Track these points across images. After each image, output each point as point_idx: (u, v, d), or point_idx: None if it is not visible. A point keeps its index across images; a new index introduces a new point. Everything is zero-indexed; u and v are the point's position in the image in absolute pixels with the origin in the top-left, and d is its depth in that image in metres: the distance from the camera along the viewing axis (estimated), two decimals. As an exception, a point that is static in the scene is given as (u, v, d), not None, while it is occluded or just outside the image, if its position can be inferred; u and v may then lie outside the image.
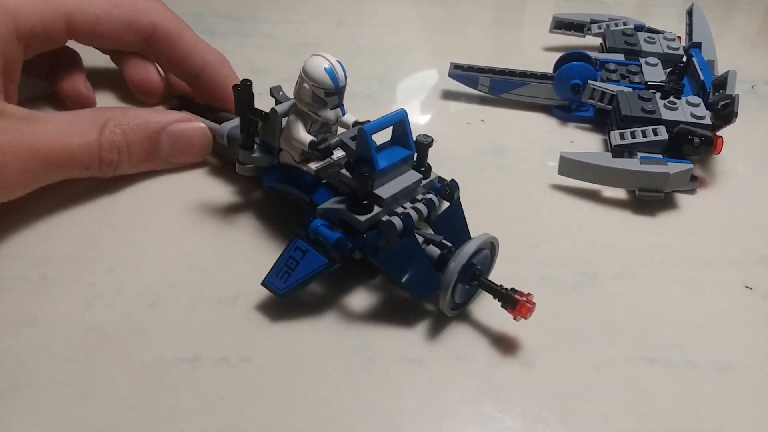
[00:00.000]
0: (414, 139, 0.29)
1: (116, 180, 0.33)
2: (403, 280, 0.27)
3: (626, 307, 0.30)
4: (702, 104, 0.36)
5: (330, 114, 0.29)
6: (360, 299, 0.29)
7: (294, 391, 0.26)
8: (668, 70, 0.41)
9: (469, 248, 0.27)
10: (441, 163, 0.33)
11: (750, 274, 0.31)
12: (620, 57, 0.42)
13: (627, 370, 0.27)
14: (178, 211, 0.33)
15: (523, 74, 0.41)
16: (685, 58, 0.41)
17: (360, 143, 0.27)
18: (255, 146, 0.31)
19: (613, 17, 0.47)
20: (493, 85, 0.41)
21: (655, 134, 0.35)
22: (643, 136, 0.35)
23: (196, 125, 0.34)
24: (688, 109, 0.36)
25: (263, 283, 0.28)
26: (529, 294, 0.26)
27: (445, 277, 0.26)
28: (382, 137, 0.28)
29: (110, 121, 0.31)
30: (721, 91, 0.36)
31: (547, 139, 0.40)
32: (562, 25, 0.47)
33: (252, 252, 0.31)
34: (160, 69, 0.39)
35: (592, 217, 0.34)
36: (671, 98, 0.37)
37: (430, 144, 0.29)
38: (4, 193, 0.29)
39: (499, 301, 0.27)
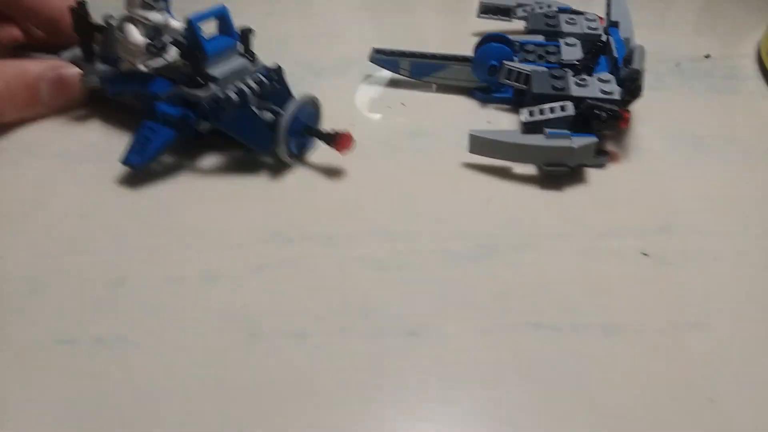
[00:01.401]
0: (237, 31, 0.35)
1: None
2: (245, 138, 0.34)
3: (521, 277, 0.30)
4: (613, 80, 0.37)
5: (158, 17, 0.34)
6: (243, 274, 0.30)
7: (171, 369, 0.26)
8: (587, 50, 0.41)
9: (293, 104, 0.34)
10: (357, 147, 0.35)
11: (650, 243, 0.32)
12: (540, 39, 0.43)
13: (512, 335, 0.27)
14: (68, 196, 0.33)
15: (443, 57, 0.41)
16: (604, 38, 0.41)
17: (188, 32, 0.33)
18: (95, 60, 0.36)
19: (540, 1, 0.47)
20: (413, 69, 0.42)
21: (563, 110, 0.35)
22: (551, 113, 0.35)
23: (70, 70, 0.37)
24: (599, 86, 0.37)
25: (122, 162, 0.34)
26: (347, 131, 0.34)
27: (278, 130, 0.34)
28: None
29: None
30: (629, 66, 0.36)
31: (467, 120, 0.40)
32: (488, 9, 0.48)
33: (134, 232, 0.32)
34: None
35: (500, 193, 0.35)
36: (582, 75, 0.37)
37: (250, 31, 0.36)
38: None
39: (325, 142, 0.35)
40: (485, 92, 0.42)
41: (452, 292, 0.29)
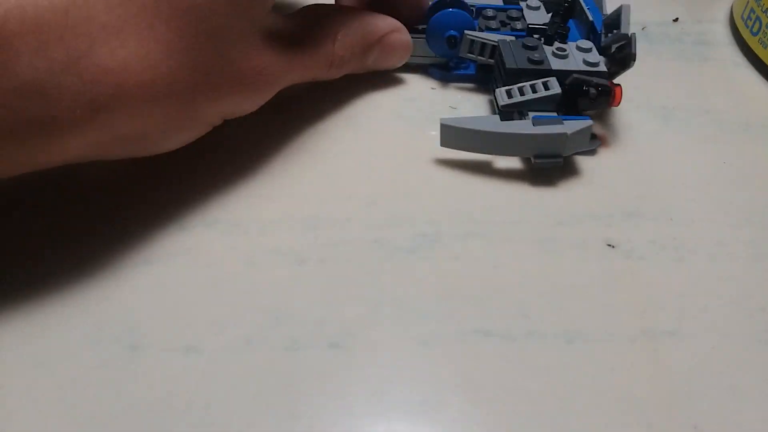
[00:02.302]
0: None
1: None
2: None
3: (467, 272, 0.25)
4: (594, 49, 0.32)
5: None
6: (126, 269, 0.24)
7: (35, 390, 0.20)
8: (551, 13, 0.36)
9: None
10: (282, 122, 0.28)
11: (615, 232, 0.27)
12: (498, 2, 0.37)
13: (456, 345, 0.23)
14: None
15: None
16: None
17: None
18: None
19: None
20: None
21: (547, 88, 0.30)
22: (533, 92, 0.30)
23: (404, 38, 0.33)
24: (580, 56, 0.31)
25: None
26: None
27: None
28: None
29: (339, 31, 0.31)
30: (615, 32, 0.31)
31: (426, 104, 0.34)
32: None
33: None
34: None
35: (444, 173, 0.29)
36: (559, 45, 0.32)
37: None
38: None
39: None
40: (443, 69, 0.35)
41: (384, 291, 0.24)
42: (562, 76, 0.30)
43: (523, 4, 0.36)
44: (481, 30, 0.34)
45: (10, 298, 0.23)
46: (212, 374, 0.21)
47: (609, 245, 0.26)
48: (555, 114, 0.30)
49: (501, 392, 0.21)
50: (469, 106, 0.34)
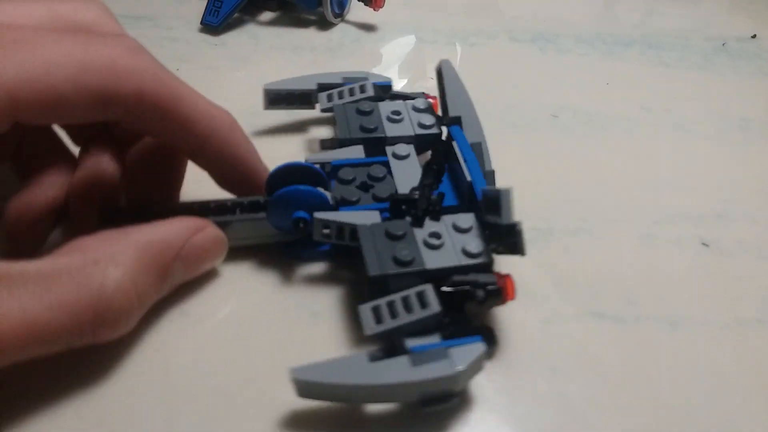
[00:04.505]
0: None
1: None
2: None
3: (578, 263, 0.29)
4: (474, 228, 0.26)
5: None
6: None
7: (235, 344, 0.25)
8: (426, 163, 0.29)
9: None
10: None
11: (707, 231, 0.31)
12: (358, 152, 0.30)
13: (575, 325, 0.27)
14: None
15: (221, 209, 0.27)
16: (444, 137, 0.30)
17: None
18: None
19: (350, 76, 0.33)
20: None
21: (423, 305, 0.23)
22: (408, 311, 0.23)
23: (211, 235, 0.26)
24: (459, 242, 0.25)
25: (202, 22, 0.43)
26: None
27: None
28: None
29: (109, 269, 0.22)
30: (499, 220, 0.24)
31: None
32: (278, 99, 0.33)
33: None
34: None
35: (550, 175, 0.34)
36: (432, 228, 0.25)
37: None
38: None
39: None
40: (294, 247, 0.28)
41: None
42: (438, 276, 0.24)
43: (390, 152, 0.29)
44: (336, 199, 0.28)
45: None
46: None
47: (704, 244, 0.30)
48: (437, 341, 0.23)
49: (616, 367, 0.25)
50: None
